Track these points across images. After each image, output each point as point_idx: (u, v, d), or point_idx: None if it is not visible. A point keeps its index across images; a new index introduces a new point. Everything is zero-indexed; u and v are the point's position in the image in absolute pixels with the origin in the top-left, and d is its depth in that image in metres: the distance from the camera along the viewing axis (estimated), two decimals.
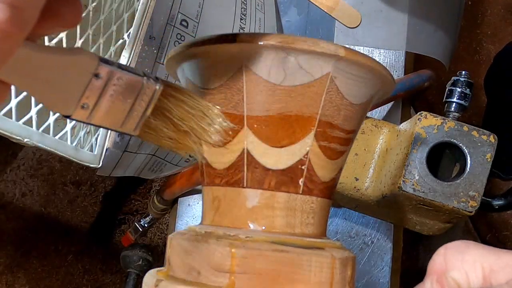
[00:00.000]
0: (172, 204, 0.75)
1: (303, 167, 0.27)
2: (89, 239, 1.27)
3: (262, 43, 0.26)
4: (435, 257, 0.23)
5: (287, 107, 0.27)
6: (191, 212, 0.71)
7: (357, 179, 0.58)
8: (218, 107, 0.27)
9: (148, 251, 0.80)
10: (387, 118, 0.71)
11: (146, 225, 0.86)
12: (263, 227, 0.27)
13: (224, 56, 0.27)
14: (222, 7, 0.57)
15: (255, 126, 0.27)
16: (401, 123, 0.59)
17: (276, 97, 0.26)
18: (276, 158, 0.27)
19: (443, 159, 0.55)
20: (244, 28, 0.59)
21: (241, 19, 0.59)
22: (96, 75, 0.24)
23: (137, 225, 0.86)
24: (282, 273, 0.25)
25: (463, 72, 0.57)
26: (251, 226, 0.27)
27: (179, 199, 0.71)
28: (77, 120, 0.25)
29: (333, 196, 0.30)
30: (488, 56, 1.48)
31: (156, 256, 0.83)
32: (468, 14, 1.51)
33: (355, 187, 0.58)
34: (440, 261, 0.23)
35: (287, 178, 0.27)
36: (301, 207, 0.28)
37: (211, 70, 0.28)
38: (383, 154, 0.58)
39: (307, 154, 0.27)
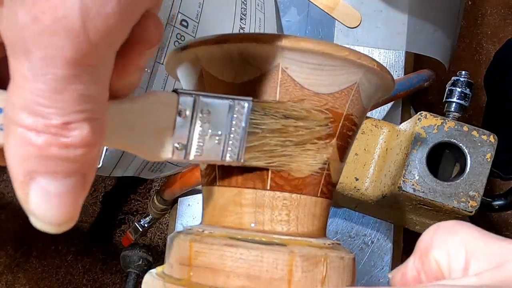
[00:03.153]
0: (172, 204, 0.75)
1: (324, 173, 0.28)
2: (89, 239, 1.27)
3: (303, 47, 0.25)
4: (424, 234, 0.23)
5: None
6: (191, 212, 0.71)
7: (357, 179, 0.58)
8: (310, 106, 0.26)
9: (148, 251, 0.80)
10: (387, 118, 0.71)
11: (146, 225, 0.86)
12: (253, 225, 0.27)
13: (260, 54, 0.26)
14: (222, 7, 0.57)
15: None
16: (401, 123, 0.59)
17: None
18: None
19: (443, 159, 0.55)
20: (244, 28, 0.59)
21: (241, 19, 0.59)
22: (180, 112, 0.23)
23: (137, 225, 0.86)
24: (236, 269, 0.25)
25: (463, 72, 0.57)
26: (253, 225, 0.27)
27: (179, 199, 0.71)
28: (176, 162, 0.24)
29: (332, 196, 0.30)
30: (488, 56, 1.48)
31: (156, 256, 0.83)
32: (468, 14, 1.51)
33: (355, 187, 0.58)
34: (427, 239, 0.22)
35: (311, 184, 0.28)
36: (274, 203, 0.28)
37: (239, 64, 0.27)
38: (383, 154, 0.58)
39: (315, 163, 0.28)
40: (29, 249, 1.24)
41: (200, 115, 0.24)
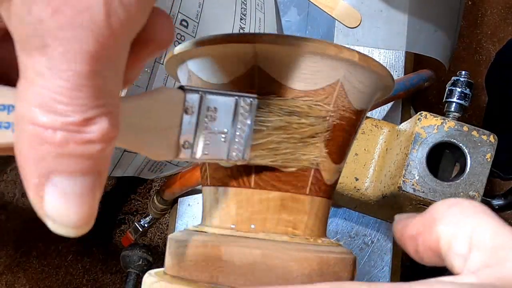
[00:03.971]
0: (172, 204, 0.75)
1: (312, 171, 0.27)
2: (89, 239, 1.27)
3: (281, 45, 0.25)
4: (439, 203, 0.22)
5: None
6: (191, 212, 0.71)
7: (357, 179, 0.58)
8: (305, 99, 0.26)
9: (148, 251, 0.80)
10: (387, 118, 0.71)
11: (146, 225, 0.86)
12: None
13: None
14: (222, 7, 0.57)
15: None
16: (401, 123, 0.59)
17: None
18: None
19: (443, 159, 0.55)
20: (244, 28, 0.59)
21: (241, 19, 0.59)
22: (186, 110, 0.23)
23: (137, 225, 0.86)
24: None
25: (463, 72, 0.57)
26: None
27: (179, 199, 0.71)
28: (184, 160, 0.23)
29: (333, 196, 0.30)
30: (488, 56, 1.48)
31: (156, 256, 0.83)
32: (468, 14, 1.51)
33: (355, 187, 0.58)
34: (441, 210, 0.22)
35: (297, 181, 0.27)
36: (309, 208, 0.28)
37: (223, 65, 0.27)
38: (383, 154, 0.58)
39: (317, 158, 0.27)
40: (29, 249, 1.24)
41: (206, 112, 0.23)
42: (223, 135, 0.24)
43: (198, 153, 0.24)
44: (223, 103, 0.24)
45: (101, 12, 0.16)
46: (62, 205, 0.17)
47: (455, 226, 0.21)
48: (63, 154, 0.17)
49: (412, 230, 0.22)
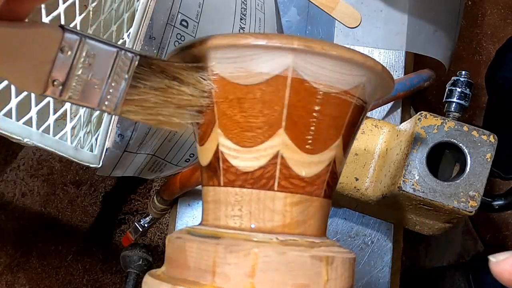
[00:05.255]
0: (172, 204, 0.75)
1: (277, 164, 0.27)
2: (89, 239, 1.27)
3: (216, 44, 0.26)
4: None
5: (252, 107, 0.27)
6: (191, 212, 0.71)
7: (357, 179, 0.58)
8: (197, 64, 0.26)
9: (148, 251, 0.80)
10: (387, 118, 0.71)
11: (146, 225, 0.85)
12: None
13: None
14: (222, 7, 0.57)
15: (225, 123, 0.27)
16: (401, 123, 0.59)
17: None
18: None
19: (443, 159, 0.55)
20: (244, 28, 0.59)
21: (241, 19, 0.59)
22: (62, 49, 0.23)
23: (137, 225, 0.86)
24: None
25: (463, 72, 0.57)
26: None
27: (179, 199, 0.71)
28: (50, 97, 0.24)
29: (333, 196, 0.30)
30: (488, 56, 1.48)
31: (156, 256, 0.83)
32: (468, 14, 1.51)
33: (355, 187, 0.58)
34: None
35: (259, 178, 0.27)
36: (309, 208, 0.27)
37: None
38: (383, 154, 0.58)
39: (278, 151, 0.27)
40: (29, 249, 1.24)
41: (84, 56, 0.24)
42: (97, 83, 0.25)
43: (67, 94, 0.24)
44: (103, 51, 0.24)
45: None
46: None
47: None
48: None
49: None
